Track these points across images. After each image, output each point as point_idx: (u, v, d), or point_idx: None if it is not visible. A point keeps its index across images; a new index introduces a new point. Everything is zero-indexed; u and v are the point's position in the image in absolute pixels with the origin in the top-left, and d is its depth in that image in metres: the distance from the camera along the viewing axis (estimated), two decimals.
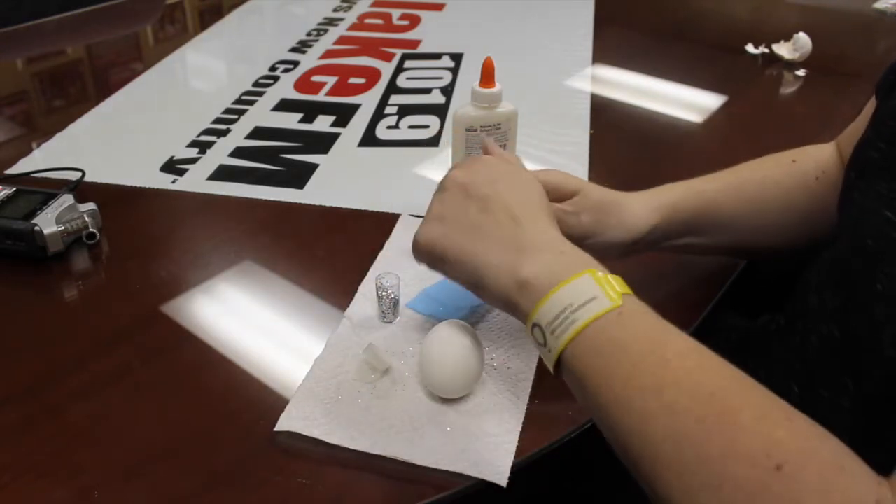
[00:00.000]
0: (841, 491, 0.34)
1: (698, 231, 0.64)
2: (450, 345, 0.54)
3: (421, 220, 0.74)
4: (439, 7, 1.46)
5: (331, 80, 1.12)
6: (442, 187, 0.53)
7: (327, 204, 0.81)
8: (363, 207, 0.79)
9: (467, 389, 0.55)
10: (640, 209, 0.62)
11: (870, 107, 0.60)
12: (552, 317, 0.43)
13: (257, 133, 0.96)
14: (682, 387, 0.38)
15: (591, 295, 0.42)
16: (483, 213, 0.49)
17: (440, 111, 1.02)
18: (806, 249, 0.71)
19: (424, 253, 0.52)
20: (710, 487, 0.35)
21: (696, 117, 1.03)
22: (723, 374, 0.40)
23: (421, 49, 1.25)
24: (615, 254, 0.62)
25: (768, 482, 0.34)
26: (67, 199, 0.72)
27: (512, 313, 0.47)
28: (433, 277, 0.67)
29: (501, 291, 0.46)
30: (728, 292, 0.68)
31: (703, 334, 0.65)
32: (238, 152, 0.91)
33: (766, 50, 1.19)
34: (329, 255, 0.73)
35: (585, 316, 0.41)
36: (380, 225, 0.75)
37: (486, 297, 0.49)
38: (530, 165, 0.60)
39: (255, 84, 1.11)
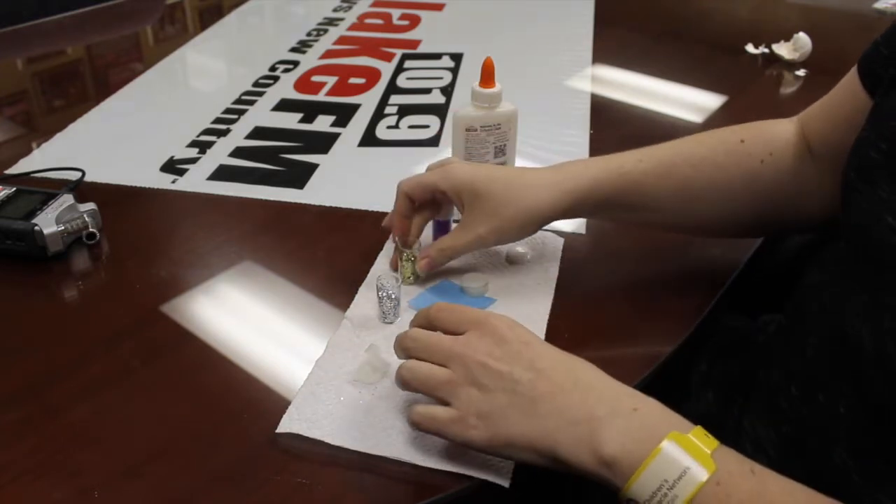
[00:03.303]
0: None
1: (621, 208, 0.63)
2: None
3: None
4: (439, 7, 1.46)
5: (331, 80, 1.12)
6: (470, 375, 0.47)
7: (327, 204, 0.80)
8: (363, 207, 0.79)
9: None
10: (543, 196, 0.61)
11: (847, 83, 0.59)
12: (648, 495, 0.41)
13: (257, 133, 0.96)
14: None
15: (684, 465, 0.41)
16: (535, 389, 0.45)
17: (440, 111, 1.02)
18: (807, 246, 0.71)
19: (489, 451, 0.48)
20: None
21: (696, 117, 1.03)
22: None
23: (421, 49, 1.25)
24: (520, 238, 0.64)
25: None
26: (67, 199, 0.72)
27: (597, 482, 0.45)
28: (434, 278, 0.67)
29: (585, 469, 0.44)
30: (728, 292, 0.68)
31: (703, 334, 0.66)
32: (238, 152, 0.91)
33: (766, 50, 1.19)
34: (329, 255, 0.73)
35: (684, 493, 0.40)
36: (380, 225, 0.75)
37: (568, 470, 0.45)
38: (530, 165, 0.60)
39: (255, 84, 1.11)
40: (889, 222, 0.44)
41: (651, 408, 0.45)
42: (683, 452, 0.41)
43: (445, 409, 0.47)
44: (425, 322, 0.51)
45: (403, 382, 0.50)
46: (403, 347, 0.51)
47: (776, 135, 0.64)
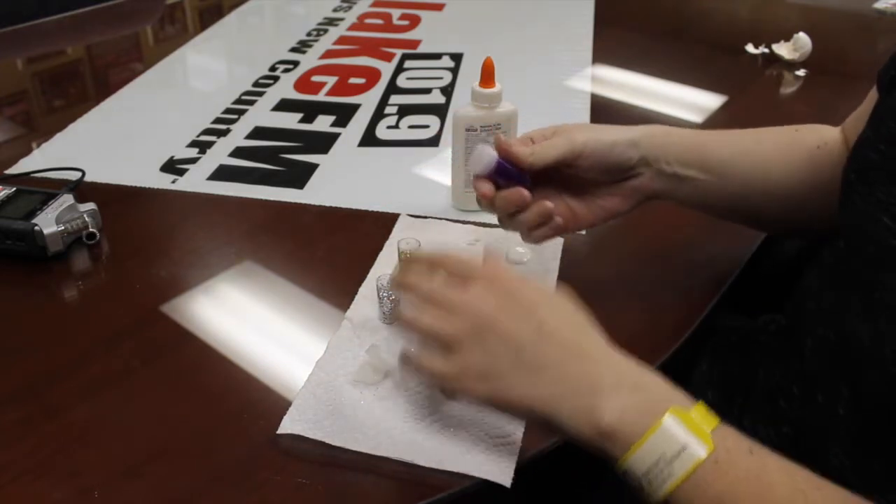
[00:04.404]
0: None
1: (690, 164, 0.62)
2: None
3: (421, 219, 0.75)
4: (439, 7, 1.46)
5: (331, 80, 1.12)
6: (477, 337, 0.46)
7: (327, 204, 0.80)
8: (363, 207, 0.79)
9: None
10: (626, 129, 0.62)
11: (872, 93, 0.60)
12: (645, 468, 0.41)
13: (257, 133, 0.96)
14: None
15: (683, 442, 0.41)
16: (539, 356, 0.45)
17: (440, 111, 1.02)
18: (807, 246, 0.70)
19: (486, 406, 0.48)
20: None
21: (696, 117, 1.03)
22: None
23: (421, 49, 1.25)
24: (603, 184, 0.62)
25: None
26: (67, 199, 0.72)
27: (593, 452, 0.45)
28: None
29: (582, 437, 0.44)
30: (728, 292, 0.68)
31: (703, 334, 0.66)
32: (238, 152, 0.91)
33: (766, 50, 1.19)
34: (329, 255, 0.73)
35: (682, 469, 0.40)
36: (380, 225, 0.75)
37: (564, 437, 0.45)
38: None
39: (255, 84, 1.11)
40: (886, 223, 0.44)
41: (654, 382, 0.45)
42: (683, 428, 0.41)
43: (446, 363, 0.47)
44: (429, 267, 0.50)
45: (406, 323, 0.49)
46: (405, 284, 0.50)
47: (825, 131, 0.65)
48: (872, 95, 0.59)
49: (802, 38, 1.14)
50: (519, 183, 0.58)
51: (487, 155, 0.58)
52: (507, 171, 0.58)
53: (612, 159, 0.60)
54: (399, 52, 1.22)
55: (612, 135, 0.61)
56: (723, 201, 0.65)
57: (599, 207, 0.63)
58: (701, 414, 0.42)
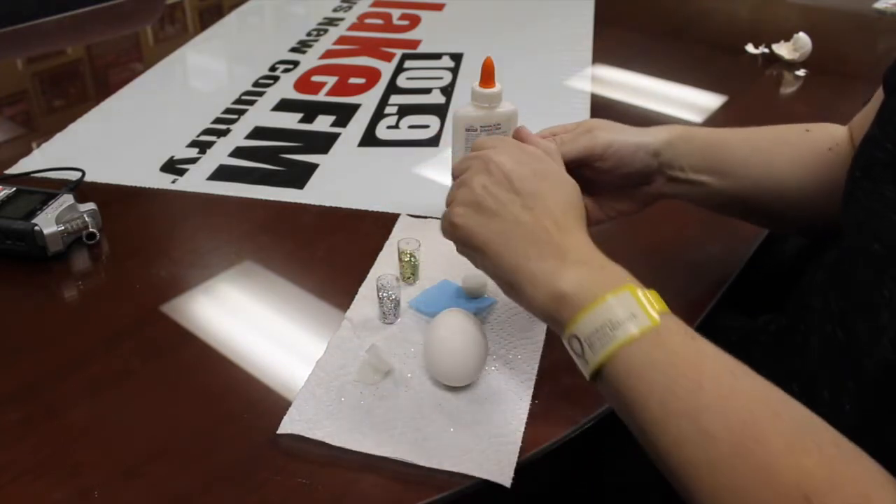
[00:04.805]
0: None
1: (704, 170, 0.63)
2: (457, 330, 0.54)
3: (421, 219, 0.75)
4: (439, 7, 1.46)
5: (331, 80, 1.12)
6: (484, 169, 0.51)
7: (327, 204, 0.80)
8: (363, 207, 0.79)
9: (472, 377, 0.55)
10: (649, 131, 0.63)
11: (880, 94, 0.59)
12: (592, 329, 0.43)
13: (257, 133, 0.96)
14: (716, 414, 0.39)
15: (631, 312, 0.43)
16: (527, 212, 0.49)
17: (440, 111, 1.02)
18: (807, 245, 0.70)
19: (461, 239, 0.51)
20: None
21: (696, 117, 1.03)
22: (756, 398, 0.41)
23: (421, 49, 1.25)
24: (619, 187, 0.64)
25: None
26: (67, 199, 0.72)
27: (543, 320, 0.48)
28: (434, 278, 0.67)
29: (538, 298, 0.47)
30: (728, 292, 0.68)
31: (704, 334, 0.66)
32: (238, 152, 0.91)
33: (766, 50, 1.19)
34: (329, 255, 0.73)
35: (625, 333, 0.42)
36: (380, 225, 0.75)
37: (517, 299, 0.49)
38: None
39: (255, 84, 1.11)
40: (894, 220, 0.44)
41: (618, 269, 0.47)
42: (634, 302, 0.43)
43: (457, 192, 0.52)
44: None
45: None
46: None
47: (835, 131, 0.66)
48: (879, 94, 0.59)
49: (802, 38, 1.14)
50: None
51: None
52: None
53: (634, 166, 0.62)
54: (399, 52, 1.22)
55: (635, 138, 0.62)
56: (732, 201, 0.66)
57: (609, 207, 0.64)
58: (654, 297, 0.44)
